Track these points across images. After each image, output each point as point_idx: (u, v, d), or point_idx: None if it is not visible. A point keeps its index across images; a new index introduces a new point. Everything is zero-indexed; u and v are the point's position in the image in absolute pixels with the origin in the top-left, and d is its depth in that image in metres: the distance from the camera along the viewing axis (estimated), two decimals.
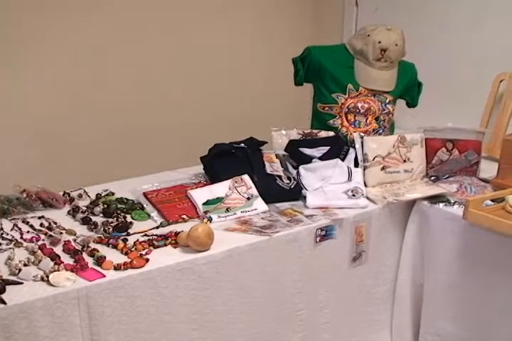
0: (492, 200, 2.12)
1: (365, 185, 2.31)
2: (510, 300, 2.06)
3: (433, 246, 2.25)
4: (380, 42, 2.45)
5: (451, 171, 2.44)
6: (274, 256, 1.99)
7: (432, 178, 2.42)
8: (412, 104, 2.71)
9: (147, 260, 1.76)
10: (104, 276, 1.67)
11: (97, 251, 1.79)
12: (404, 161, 2.39)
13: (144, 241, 1.87)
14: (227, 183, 2.17)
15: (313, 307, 2.17)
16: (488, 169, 2.46)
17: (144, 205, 2.13)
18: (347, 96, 2.51)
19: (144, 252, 1.81)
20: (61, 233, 1.91)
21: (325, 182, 2.26)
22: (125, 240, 1.87)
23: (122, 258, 1.76)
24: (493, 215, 2.00)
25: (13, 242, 1.84)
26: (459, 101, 2.97)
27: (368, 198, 2.26)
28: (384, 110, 2.54)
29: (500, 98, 2.79)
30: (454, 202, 2.22)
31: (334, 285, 2.20)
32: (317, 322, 2.21)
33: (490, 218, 1.99)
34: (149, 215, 2.07)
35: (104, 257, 1.75)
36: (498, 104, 2.78)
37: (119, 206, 2.10)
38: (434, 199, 2.26)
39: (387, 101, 2.55)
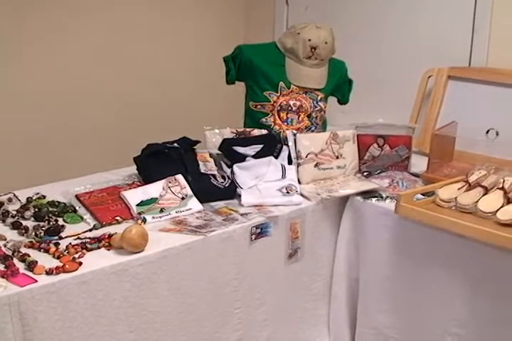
0: (423, 194, 2.17)
1: (299, 182, 2.33)
2: (442, 291, 2.11)
3: (367, 240, 2.29)
4: (309, 40, 2.47)
5: (383, 166, 2.48)
6: (209, 256, 1.99)
7: (365, 174, 2.46)
8: (343, 100, 2.74)
9: (80, 263, 1.73)
10: (36, 281, 1.64)
11: (29, 256, 1.74)
12: (337, 157, 2.42)
13: (76, 245, 1.83)
14: (161, 183, 2.15)
15: (251, 305, 2.17)
16: (418, 164, 2.51)
17: (77, 208, 2.09)
18: (279, 94, 2.52)
19: (76, 255, 1.77)
20: None
21: (259, 180, 2.28)
22: (57, 244, 1.83)
23: (55, 263, 1.72)
24: (423, 209, 2.05)
25: None
26: (389, 98, 3.03)
27: (302, 195, 2.27)
28: (316, 107, 2.57)
29: (428, 94, 2.85)
30: (386, 197, 2.26)
31: (271, 282, 2.21)
32: (255, 320, 2.22)
33: (421, 211, 2.04)
34: (82, 218, 2.03)
35: (36, 262, 1.71)
36: (427, 100, 2.84)
37: (50, 209, 2.06)
38: (367, 194, 2.29)
39: (318, 98, 2.57)
